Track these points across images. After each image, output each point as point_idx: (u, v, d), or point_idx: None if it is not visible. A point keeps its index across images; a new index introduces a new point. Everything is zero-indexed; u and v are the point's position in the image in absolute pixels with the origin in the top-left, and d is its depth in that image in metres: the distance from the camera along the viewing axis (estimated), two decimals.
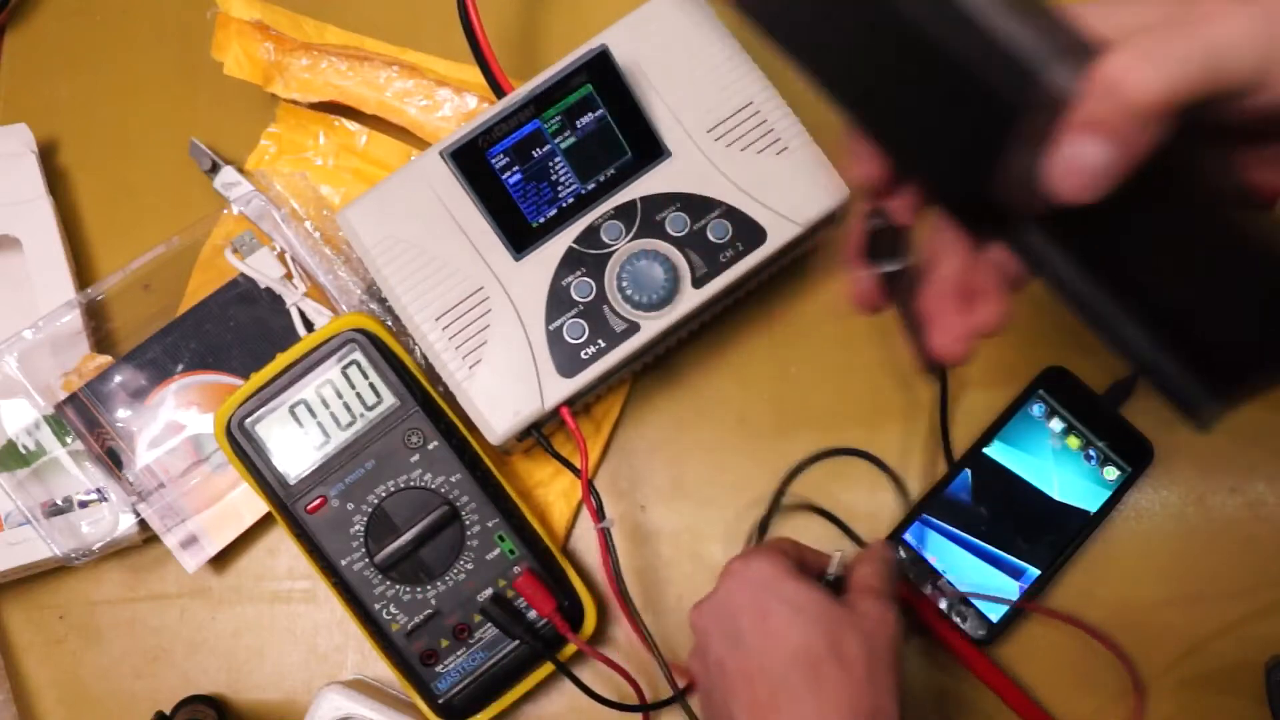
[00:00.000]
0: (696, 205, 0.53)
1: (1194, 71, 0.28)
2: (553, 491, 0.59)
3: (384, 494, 0.53)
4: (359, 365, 0.54)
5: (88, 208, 0.66)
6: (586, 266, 0.53)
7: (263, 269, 0.60)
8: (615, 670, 0.54)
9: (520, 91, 0.52)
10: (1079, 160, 0.29)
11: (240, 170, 0.63)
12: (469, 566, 0.54)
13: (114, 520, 0.57)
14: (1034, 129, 0.29)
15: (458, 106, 0.63)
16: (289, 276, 0.60)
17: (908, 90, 0.32)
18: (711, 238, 0.53)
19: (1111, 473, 0.57)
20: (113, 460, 0.58)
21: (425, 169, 0.54)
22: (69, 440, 0.58)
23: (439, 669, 0.54)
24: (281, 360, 0.54)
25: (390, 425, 0.54)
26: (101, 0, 0.69)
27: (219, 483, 0.59)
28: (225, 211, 0.62)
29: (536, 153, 0.52)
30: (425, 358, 0.54)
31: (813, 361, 0.61)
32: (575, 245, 0.53)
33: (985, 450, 0.58)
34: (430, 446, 0.54)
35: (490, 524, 0.54)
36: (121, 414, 0.58)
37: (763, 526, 0.58)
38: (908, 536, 0.57)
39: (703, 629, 0.47)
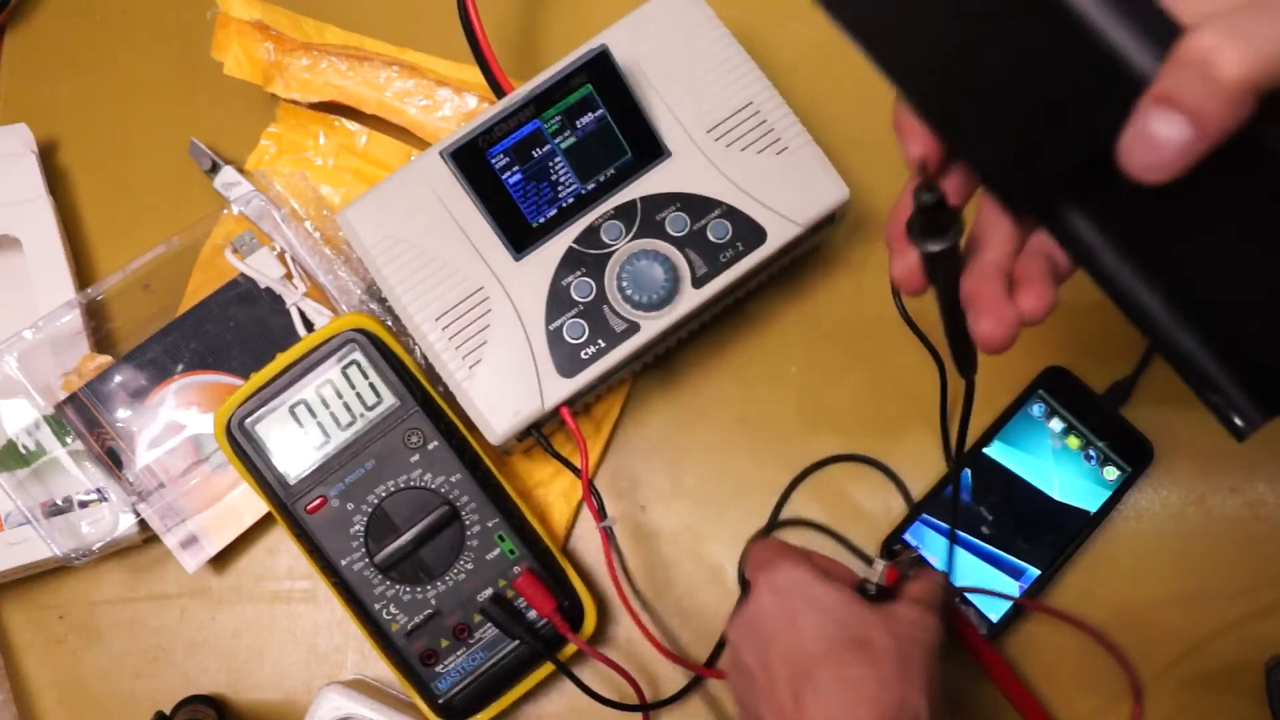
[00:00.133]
0: (696, 205, 0.53)
1: None
2: (553, 491, 0.59)
3: (384, 494, 0.53)
4: (359, 365, 0.54)
5: (88, 208, 0.66)
6: (586, 266, 0.53)
7: (263, 269, 0.60)
8: (615, 670, 0.54)
9: (520, 91, 0.52)
10: (1156, 137, 0.28)
11: (240, 170, 0.63)
12: (469, 566, 0.54)
13: (114, 520, 0.57)
14: (1109, 105, 0.28)
15: (458, 106, 0.63)
16: (289, 276, 0.60)
17: (971, 64, 0.31)
18: (711, 238, 0.53)
19: (1111, 473, 0.57)
20: (113, 460, 0.58)
21: (425, 169, 0.54)
22: (69, 440, 0.58)
23: (439, 669, 0.54)
24: (281, 360, 0.54)
25: (390, 425, 0.54)
26: (101, 0, 0.69)
27: (219, 483, 0.59)
28: (225, 211, 0.62)
29: (536, 153, 0.52)
30: (425, 358, 0.54)
31: (813, 362, 0.61)
32: (575, 245, 0.53)
33: (985, 450, 0.58)
34: (430, 446, 0.54)
35: (490, 524, 0.54)
36: (121, 414, 0.58)
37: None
38: (908, 536, 0.57)
39: (735, 640, 0.47)
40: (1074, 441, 0.57)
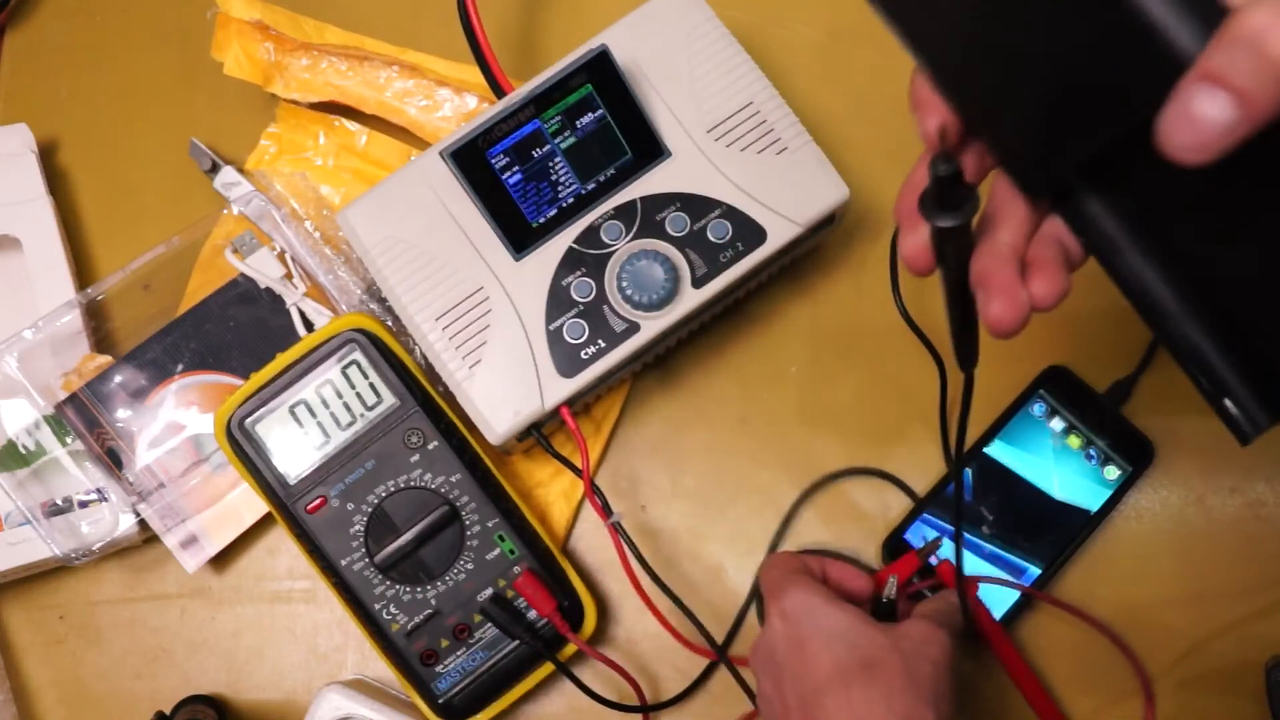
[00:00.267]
0: (696, 205, 0.53)
1: None
2: (553, 491, 0.59)
3: (384, 494, 0.53)
4: (359, 365, 0.54)
5: (88, 208, 0.66)
6: (586, 266, 0.53)
7: (263, 269, 0.60)
8: (615, 670, 0.54)
9: (520, 91, 0.52)
10: (1200, 116, 0.27)
11: (240, 170, 0.63)
12: (469, 566, 0.54)
13: (114, 520, 0.57)
14: (1146, 84, 0.28)
15: (458, 106, 0.63)
16: (289, 276, 0.60)
17: (998, 36, 0.30)
18: (711, 238, 0.53)
19: (1112, 472, 0.57)
20: (113, 460, 0.58)
21: (425, 169, 0.54)
22: (69, 440, 0.58)
23: (439, 669, 0.54)
24: (281, 360, 0.54)
25: (390, 425, 0.54)
26: (101, 0, 0.69)
27: (219, 483, 0.58)
28: (225, 211, 0.62)
29: (536, 153, 0.52)
30: (425, 358, 0.54)
31: (813, 362, 0.61)
32: (575, 245, 0.53)
33: (986, 449, 0.58)
34: (430, 446, 0.54)
35: (490, 524, 0.54)
36: (121, 414, 0.58)
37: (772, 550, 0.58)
38: (909, 535, 0.57)
39: (755, 669, 0.48)
40: (1075, 441, 0.57)
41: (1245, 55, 0.26)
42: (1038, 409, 0.58)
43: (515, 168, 0.52)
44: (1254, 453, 0.58)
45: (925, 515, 0.57)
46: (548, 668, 0.54)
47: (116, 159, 0.66)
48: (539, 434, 0.53)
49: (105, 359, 0.59)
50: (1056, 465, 0.57)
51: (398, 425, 0.54)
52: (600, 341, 0.52)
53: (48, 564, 0.58)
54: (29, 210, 0.62)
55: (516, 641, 0.54)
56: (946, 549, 0.55)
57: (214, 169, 0.63)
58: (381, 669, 0.57)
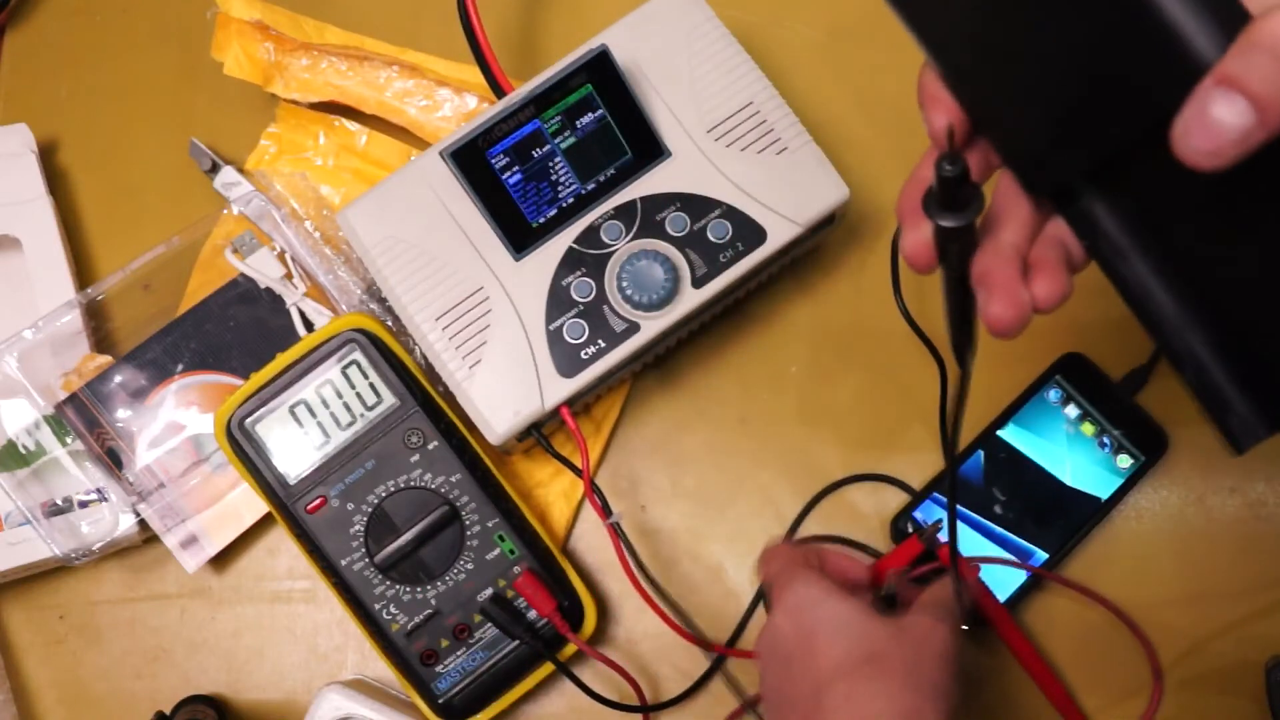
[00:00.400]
0: (696, 205, 0.53)
1: None
2: (553, 491, 0.59)
3: (384, 494, 0.53)
4: (359, 365, 0.54)
5: (88, 208, 0.66)
6: (586, 266, 0.53)
7: (263, 269, 0.60)
8: (615, 670, 0.54)
9: (520, 91, 0.52)
10: (1216, 120, 0.27)
11: (240, 170, 0.63)
12: (469, 566, 0.54)
13: (114, 520, 0.57)
14: (1161, 87, 0.27)
15: (458, 106, 0.63)
16: (289, 276, 0.60)
17: (1012, 33, 0.30)
18: (711, 238, 0.53)
19: (1125, 461, 0.57)
20: (113, 460, 0.58)
21: (425, 169, 0.54)
22: (69, 440, 0.58)
23: (439, 669, 0.54)
24: (281, 360, 0.54)
25: (390, 425, 0.54)
26: (101, 0, 0.69)
27: (219, 483, 0.58)
28: (225, 211, 0.62)
29: (536, 153, 0.52)
30: (425, 358, 0.54)
31: (813, 361, 0.61)
32: (575, 245, 0.53)
33: (999, 433, 0.58)
34: (430, 446, 0.54)
35: (490, 524, 0.54)
36: (121, 414, 0.58)
37: None
38: (918, 514, 0.57)
39: (760, 662, 0.48)
40: (1089, 428, 0.57)
41: (1265, 61, 0.26)
42: (1053, 395, 0.58)
43: (515, 168, 0.52)
44: (1254, 453, 0.57)
45: (935, 495, 0.57)
46: (548, 668, 0.54)
47: (116, 159, 0.66)
48: (539, 434, 0.53)
49: (105, 359, 0.59)
50: (1069, 452, 0.57)
51: (398, 425, 0.54)
52: (600, 341, 0.52)
53: (48, 564, 0.58)
54: (29, 210, 0.62)
55: (516, 641, 0.54)
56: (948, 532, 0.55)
57: (214, 169, 0.63)
58: (381, 669, 0.57)
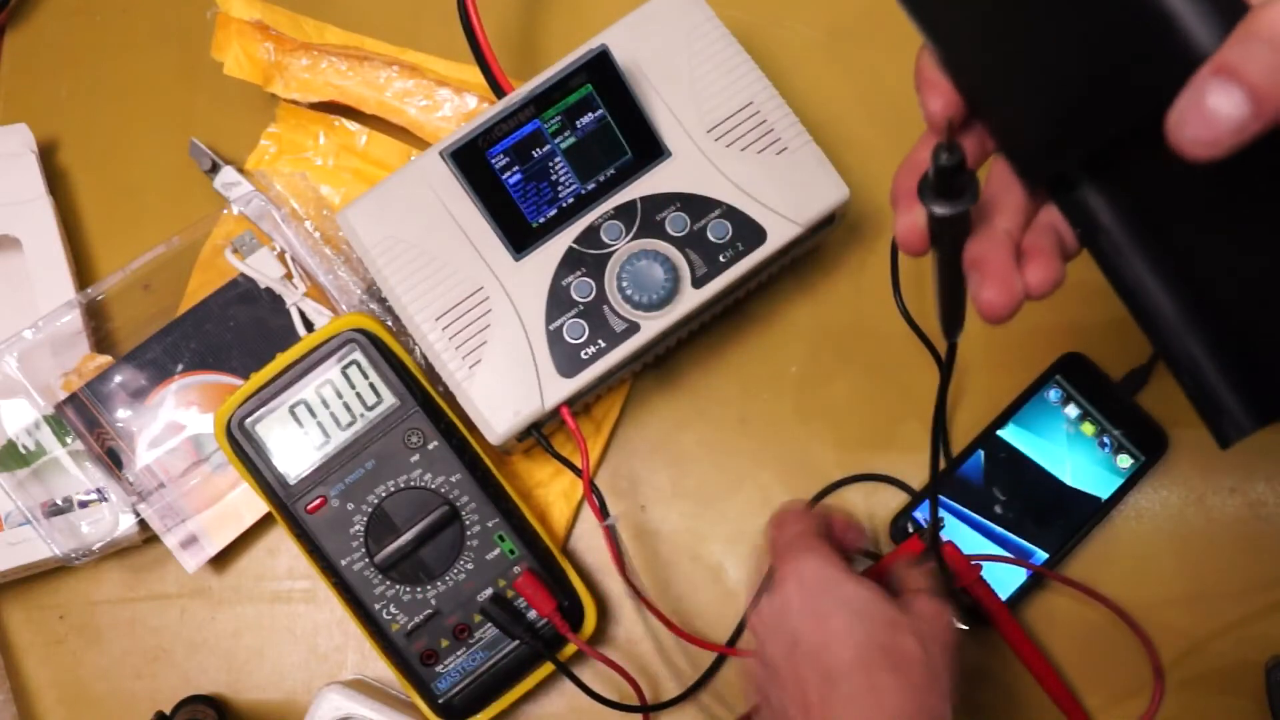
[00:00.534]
0: (696, 205, 0.53)
1: None
2: (553, 491, 0.59)
3: (384, 494, 0.53)
4: (359, 365, 0.54)
5: (88, 208, 0.66)
6: (586, 266, 0.53)
7: (263, 269, 0.60)
8: (615, 670, 0.54)
9: (520, 91, 0.52)
10: (1212, 110, 0.26)
11: (240, 170, 0.63)
12: (469, 566, 0.54)
13: (114, 520, 0.57)
14: (1158, 76, 0.27)
15: (458, 106, 0.63)
16: (289, 276, 0.60)
17: (1011, 19, 0.30)
18: (711, 238, 0.53)
19: (1125, 460, 0.57)
20: (113, 460, 0.58)
21: (425, 169, 0.54)
22: (69, 440, 0.58)
23: (439, 669, 0.54)
24: (281, 360, 0.54)
25: (390, 425, 0.54)
26: (101, 0, 0.69)
27: (219, 483, 0.58)
28: (225, 211, 0.62)
29: (536, 153, 0.52)
30: (425, 358, 0.54)
31: (813, 361, 0.61)
32: (575, 245, 0.53)
33: (999, 433, 0.58)
34: (430, 446, 0.54)
35: (490, 524, 0.54)
36: (121, 414, 0.58)
37: None
38: (918, 514, 0.57)
39: (761, 632, 0.46)
40: (1089, 428, 0.57)
41: (1263, 52, 0.26)
42: (1053, 395, 0.58)
43: (515, 168, 0.52)
44: (1254, 453, 0.58)
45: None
46: (548, 668, 0.54)
47: (116, 159, 0.66)
48: (539, 434, 0.53)
49: (105, 359, 0.59)
50: (1069, 452, 0.57)
51: (398, 425, 0.54)
52: (600, 341, 0.52)
53: (48, 564, 0.58)
54: (29, 210, 0.62)
55: (516, 641, 0.54)
56: (950, 531, 0.55)
57: (214, 169, 0.63)
58: (381, 669, 0.57)
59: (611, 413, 0.60)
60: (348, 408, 0.54)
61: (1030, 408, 0.58)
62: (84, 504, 0.58)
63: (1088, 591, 0.55)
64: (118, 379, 0.59)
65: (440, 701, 0.54)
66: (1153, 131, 0.28)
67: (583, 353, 0.52)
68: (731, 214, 0.53)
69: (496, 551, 0.54)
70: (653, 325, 0.53)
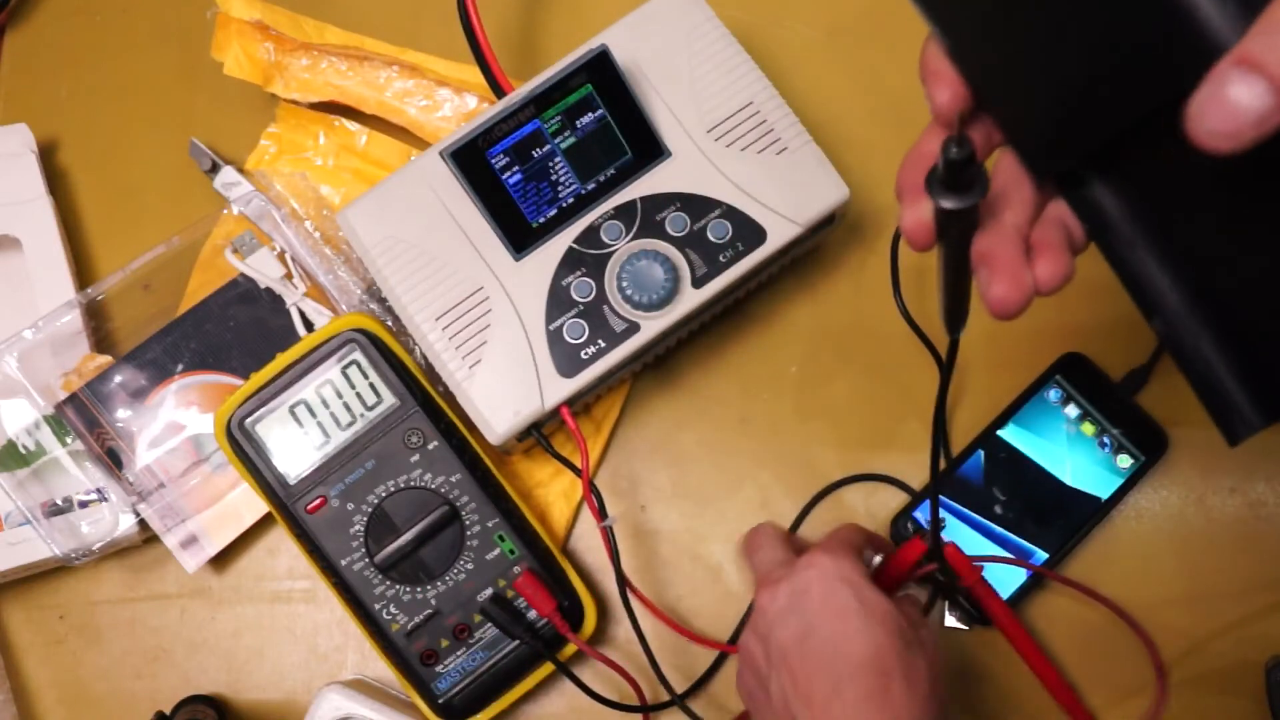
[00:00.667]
0: (696, 205, 0.53)
1: None
2: (553, 491, 0.59)
3: (384, 494, 0.53)
4: (359, 365, 0.54)
5: (88, 208, 0.66)
6: (586, 266, 0.53)
7: (263, 269, 0.60)
8: (615, 670, 0.54)
9: (520, 91, 0.52)
10: (1233, 102, 0.26)
11: (240, 170, 0.63)
12: (469, 566, 0.54)
13: (114, 520, 0.57)
14: (1176, 68, 0.27)
15: (458, 106, 0.63)
16: (289, 276, 0.60)
17: (1022, 7, 0.29)
18: (711, 238, 0.53)
19: (1125, 460, 0.57)
20: (113, 460, 0.58)
21: (425, 169, 0.54)
22: (69, 440, 0.58)
23: (439, 669, 0.54)
24: (281, 360, 0.54)
25: (390, 425, 0.54)
26: (101, 0, 0.69)
27: (219, 483, 0.58)
28: (225, 211, 0.62)
29: (536, 153, 0.52)
30: (425, 358, 0.54)
31: (813, 361, 0.61)
32: (575, 245, 0.53)
33: (999, 433, 0.58)
34: (430, 446, 0.54)
35: (490, 524, 0.54)
36: (121, 414, 0.58)
37: None
38: (918, 514, 0.57)
39: (774, 610, 0.45)
40: (1089, 428, 0.57)
41: None
42: (1053, 395, 0.58)
43: (515, 168, 0.52)
44: (1254, 453, 0.58)
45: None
46: (548, 668, 0.54)
47: (116, 159, 0.66)
48: (539, 434, 0.53)
49: (105, 359, 0.59)
50: (1070, 452, 0.57)
51: (398, 425, 0.54)
52: (600, 341, 0.52)
53: (48, 564, 0.58)
54: (29, 210, 0.62)
55: (516, 641, 0.54)
56: (950, 531, 0.55)
57: (214, 169, 0.63)
58: (381, 669, 0.57)
59: (611, 413, 0.60)
60: (348, 408, 0.54)
61: (1030, 408, 0.58)
62: (84, 504, 0.58)
63: (1089, 592, 0.55)
64: (118, 379, 0.59)
65: (440, 701, 0.54)
66: (1166, 124, 0.27)
67: (583, 353, 0.52)
68: (731, 214, 0.53)
69: (496, 551, 0.54)
70: (653, 325, 0.53)
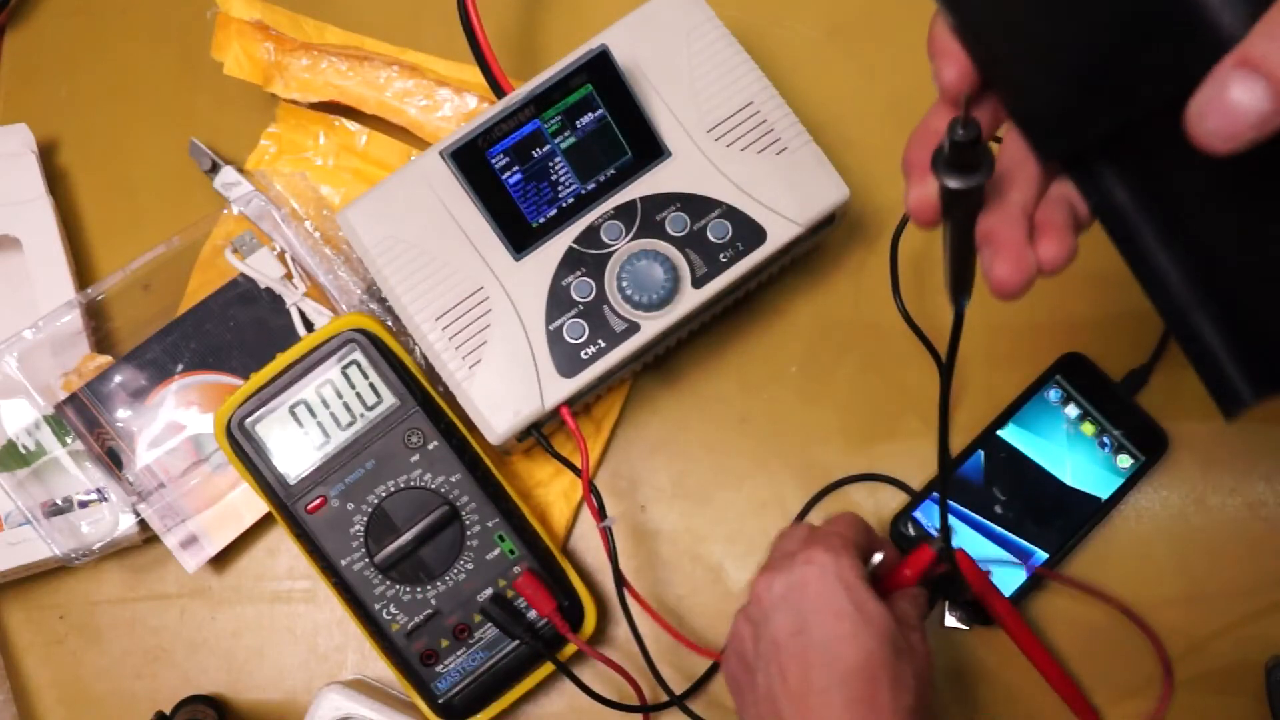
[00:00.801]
0: (696, 205, 0.53)
1: None
2: (553, 491, 0.59)
3: (384, 494, 0.53)
4: (359, 365, 0.54)
5: (88, 208, 0.66)
6: (586, 266, 0.53)
7: (263, 269, 0.60)
8: (615, 670, 0.54)
9: (520, 91, 0.52)
10: (1233, 103, 0.26)
11: (240, 170, 0.63)
12: (469, 566, 0.54)
13: (114, 520, 0.57)
14: (1182, 62, 0.27)
15: (458, 106, 0.63)
16: (289, 276, 0.60)
17: None
18: (711, 238, 0.53)
19: (1125, 461, 0.57)
20: (113, 460, 0.58)
21: (425, 169, 0.54)
22: (69, 440, 0.58)
23: (439, 669, 0.54)
24: (281, 360, 0.54)
25: (390, 425, 0.54)
26: (101, 0, 0.69)
27: (219, 483, 0.58)
28: (225, 211, 0.62)
29: (536, 153, 0.52)
30: (425, 358, 0.54)
31: (813, 361, 0.61)
32: (575, 245, 0.53)
33: (999, 433, 0.58)
34: (430, 446, 0.54)
35: (490, 524, 0.54)
36: (121, 414, 0.58)
37: None
38: (918, 514, 0.57)
39: (769, 601, 0.45)
40: (1089, 428, 0.57)
41: None
42: (1053, 395, 0.58)
43: (515, 168, 0.52)
44: (1254, 453, 0.58)
45: (935, 495, 0.57)
46: (548, 668, 0.54)
47: (116, 159, 0.66)
48: (539, 434, 0.53)
49: (105, 359, 0.59)
50: (1069, 451, 0.57)
51: (398, 425, 0.54)
52: (600, 341, 0.52)
53: (48, 564, 0.58)
54: (29, 210, 0.62)
55: (516, 641, 0.54)
56: (955, 536, 0.55)
57: (214, 169, 0.63)
58: (381, 669, 0.57)
59: (611, 413, 0.60)
60: (348, 408, 0.54)
61: (1030, 408, 0.58)
62: (84, 504, 0.58)
63: (1094, 592, 0.55)
64: (118, 379, 0.59)
65: (440, 701, 0.54)
66: (1173, 111, 0.27)
67: (583, 353, 0.52)
68: (731, 214, 0.53)
69: (496, 551, 0.54)
70: (653, 325, 0.53)
